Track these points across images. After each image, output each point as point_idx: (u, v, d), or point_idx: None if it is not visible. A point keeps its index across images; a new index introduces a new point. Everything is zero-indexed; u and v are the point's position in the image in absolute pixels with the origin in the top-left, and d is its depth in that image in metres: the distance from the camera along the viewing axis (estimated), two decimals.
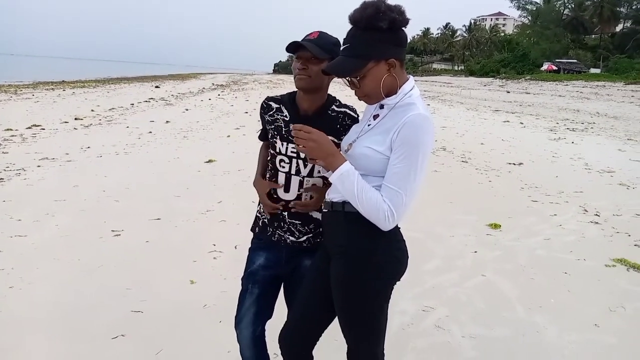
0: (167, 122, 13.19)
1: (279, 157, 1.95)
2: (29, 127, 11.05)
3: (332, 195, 1.75)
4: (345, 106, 1.98)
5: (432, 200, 5.86)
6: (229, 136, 11.05)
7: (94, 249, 4.21)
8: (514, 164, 8.63)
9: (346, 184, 1.61)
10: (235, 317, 2.05)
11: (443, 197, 6.18)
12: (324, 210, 1.81)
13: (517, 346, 2.96)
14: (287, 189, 1.95)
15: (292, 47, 1.83)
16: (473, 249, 4.49)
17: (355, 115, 1.96)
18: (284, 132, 1.92)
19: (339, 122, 1.92)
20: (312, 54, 1.79)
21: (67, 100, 18.61)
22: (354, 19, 1.60)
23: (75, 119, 12.96)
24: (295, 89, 1.95)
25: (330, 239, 1.78)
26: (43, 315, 3.13)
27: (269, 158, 2.02)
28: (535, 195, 6.53)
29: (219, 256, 4.16)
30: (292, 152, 1.91)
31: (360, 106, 1.84)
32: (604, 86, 36.56)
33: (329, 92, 1.98)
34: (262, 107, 2.01)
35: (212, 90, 31.24)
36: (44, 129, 11.07)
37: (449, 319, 3.21)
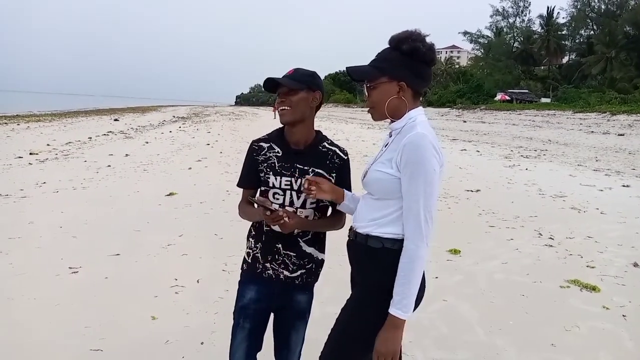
0: (127, 155, 12.99)
1: (272, 191, 1.97)
2: None
3: (357, 224, 1.81)
4: (336, 146, 2.06)
5: None
6: (190, 168, 10.97)
7: (50, 287, 4.07)
8: (472, 191, 8.89)
9: (411, 295, 1.66)
10: (229, 350, 2.06)
11: None
12: (348, 237, 1.87)
13: None
14: None
15: (269, 86, 1.95)
16: (434, 274, 4.57)
17: (345, 157, 2.04)
18: (277, 168, 1.97)
19: (328, 159, 2.00)
20: (288, 88, 1.90)
21: (21, 135, 18.07)
22: (390, 37, 1.76)
23: (30, 153, 12.59)
24: (280, 126, 2.02)
25: (353, 267, 1.88)
26: None
27: (257, 195, 2.04)
28: (493, 220, 6.73)
29: (181, 291, 4.10)
30: (285, 185, 1.95)
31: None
32: (554, 115, 38.23)
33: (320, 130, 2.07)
34: (252, 149, 2.03)
35: (173, 123, 31.02)
36: None
37: (412, 344, 3.25)
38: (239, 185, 2.10)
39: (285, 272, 2.00)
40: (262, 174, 2.00)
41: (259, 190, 2.04)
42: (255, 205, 1.95)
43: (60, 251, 4.96)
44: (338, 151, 2.03)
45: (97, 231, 5.74)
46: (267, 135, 2.06)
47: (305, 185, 1.87)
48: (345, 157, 2.04)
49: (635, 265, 4.96)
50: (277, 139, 2.02)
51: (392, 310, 1.64)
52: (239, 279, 2.11)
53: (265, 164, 1.99)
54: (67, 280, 4.25)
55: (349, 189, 2.03)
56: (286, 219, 1.84)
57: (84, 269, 4.50)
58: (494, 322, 3.63)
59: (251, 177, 2.04)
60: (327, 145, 2.02)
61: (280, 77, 1.94)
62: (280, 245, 1.99)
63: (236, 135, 22.11)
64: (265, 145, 2.02)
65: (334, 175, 2.00)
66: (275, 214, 1.81)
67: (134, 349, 3.12)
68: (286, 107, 1.90)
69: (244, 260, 2.10)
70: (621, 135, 24.26)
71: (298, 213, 1.96)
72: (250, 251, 2.06)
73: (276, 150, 1.99)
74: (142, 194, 8.04)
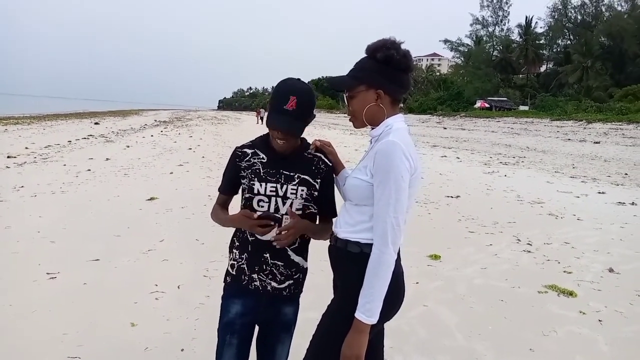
0: (107, 159, 12.84)
1: (257, 198, 1.94)
2: None
3: (338, 229, 1.84)
4: (322, 152, 2.05)
5: None
6: (171, 173, 10.88)
7: (27, 294, 4.00)
8: (452, 197, 8.98)
9: (375, 300, 1.67)
10: None
11: None
12: (330, 241, 1.90)
13: None
14: None
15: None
16: (415, 279, 4.61)
17: (330, 163, 2.02)
18: (262, 174, 1.94)
19: (314, 165, 1.98)
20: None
21: None
22: (367, 46, 1.79)
23: (8, 157, 12.35)
24: (265, 132, 2.01)
25: (334, 272, 1.90)
26: None
27: (243, 203, 2.00)
28: (472, 226, 6.81)
29: (161, 296, 4.06)
30: (270, 191, 1.92)
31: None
32: (532, 122, 38.87)
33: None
34: (235, 155, 2.00)
35: (154, 127, 30.73)
36: None
37: (392, 350, 3.28)
38: (220, 190, 2.09)
39: (273, 283, 1.95)
40: (245, 181, 1.97)
41: (242, 199, 2.01)
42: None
43: (38, 256, 4.88)
44: (323, 157, 2.02)
45: (76, 236, 5.66)
46: (251, 141, 2.04)
47: (317, 144, 2.03)
48: (331, 164, 2.03)
49: (611, 270, 5.07)
50: (261, 145, 1.99)
51: (357, 314, 1.68)
52: (222, 293, 2.05)
53: (249, 170, 1.96)
54: (45, 286, 4.18)
55: (333, 195, 2.04)
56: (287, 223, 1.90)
57: (62, 275, 4.43)
58: (474, 327, 3.67)
59: (232, 184, 2.03)
60: (312, 152, 2.02)
61: (282, 110, 1.83)
62: (268, 255, 1.94)
63: (218, 139, 22.00)
64: (249, 151, 1.99)
65: (318, 181, 1.98)
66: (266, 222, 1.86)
67: (113, 356, 3.09)
68: (285, 144, 1.90)
69: (227, 273, 2.04)
70: (597, 143, 24.76)
71: (283, 219, 1.92)
72: (235, 263, 2.00)
73: (261, 157, 1.96)
74: (123, 198, 7.94)
